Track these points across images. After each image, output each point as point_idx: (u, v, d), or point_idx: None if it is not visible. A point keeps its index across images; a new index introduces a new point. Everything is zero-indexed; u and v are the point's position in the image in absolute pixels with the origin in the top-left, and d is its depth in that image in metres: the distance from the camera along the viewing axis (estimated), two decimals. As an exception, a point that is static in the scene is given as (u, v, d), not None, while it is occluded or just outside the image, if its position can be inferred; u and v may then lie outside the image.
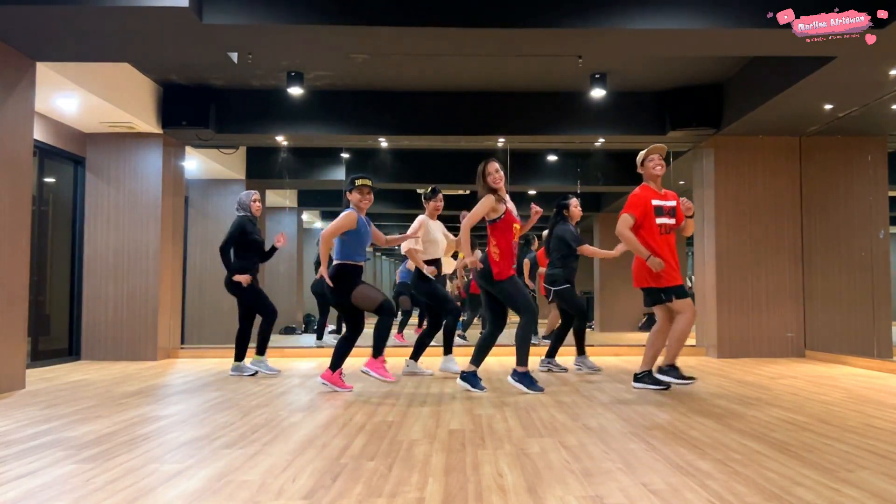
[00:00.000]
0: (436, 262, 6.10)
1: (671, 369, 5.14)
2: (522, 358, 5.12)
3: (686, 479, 2.71)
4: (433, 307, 6.14)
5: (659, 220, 5.11)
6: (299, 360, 7.84)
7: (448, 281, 9.46)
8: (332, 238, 5.02)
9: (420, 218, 6.18)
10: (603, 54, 6.74)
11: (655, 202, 5.13)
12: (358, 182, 5.12)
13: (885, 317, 7.58)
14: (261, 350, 6.30)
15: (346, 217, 5.02)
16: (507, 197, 5.29)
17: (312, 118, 8.30)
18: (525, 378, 5.14)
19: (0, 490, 2.58)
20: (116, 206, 7.96)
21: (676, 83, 7.89)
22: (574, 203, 6.51)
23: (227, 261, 6.11)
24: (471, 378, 5.20)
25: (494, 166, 5.18)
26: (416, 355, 6.19)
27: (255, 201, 6.31)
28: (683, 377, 5.13)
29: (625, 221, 5.10)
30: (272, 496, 2.50)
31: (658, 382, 5.18)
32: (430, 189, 6.34)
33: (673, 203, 5.22)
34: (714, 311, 8.18)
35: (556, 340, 6.54)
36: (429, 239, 6.11)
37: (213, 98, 8.04)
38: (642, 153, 5.30)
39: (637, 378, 5.32)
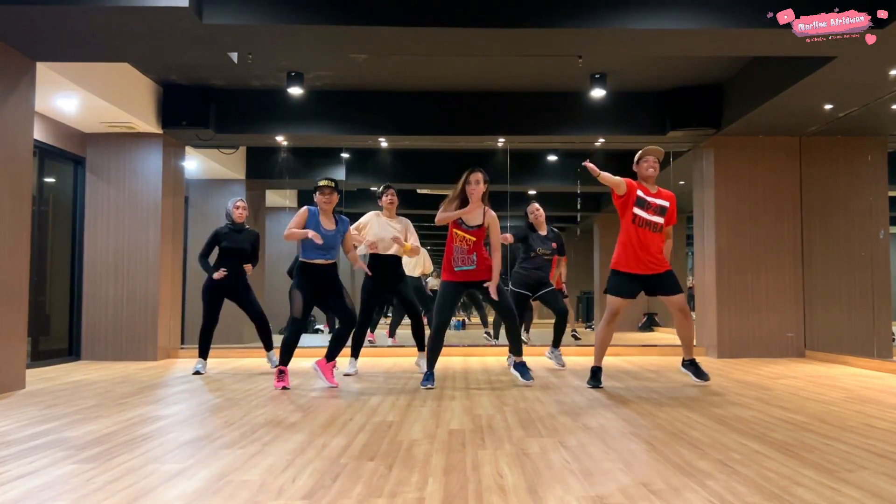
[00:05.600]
0: (382, 259, 6.10)
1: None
2: (422, 346, 5.45)
3: (686, 479, 2.71)
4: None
5: (636, 210, 5.21)
6: (299, 359, 7.82)
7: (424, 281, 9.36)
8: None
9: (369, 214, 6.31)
10: (603, 54, 6.74)
11: (641, 193, 5.24)
12: (321, 183, 5.49)
13: (885, 317, 7.58)
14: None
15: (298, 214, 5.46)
16: (482, 210, 5.37)
17: (312, 118, 8.30)
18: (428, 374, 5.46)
19: (0, 490, 2.58)
20: (116, 206, 7.96)
21: (676, 83, 7.89)
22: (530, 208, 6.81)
23: (205, 266, 6.47)
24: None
25: (476, 177, 5.33)
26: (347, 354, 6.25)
27: (236, 208, 6.51)
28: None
29: (618, 184, 5.16)
30: (272, 496, 2.50)
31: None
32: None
33: (665, 203, 5.29)
34: (714, 311, 8.17)
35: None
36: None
37: (213, 98, 8.04)
38: (639, 153, 5.38)
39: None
